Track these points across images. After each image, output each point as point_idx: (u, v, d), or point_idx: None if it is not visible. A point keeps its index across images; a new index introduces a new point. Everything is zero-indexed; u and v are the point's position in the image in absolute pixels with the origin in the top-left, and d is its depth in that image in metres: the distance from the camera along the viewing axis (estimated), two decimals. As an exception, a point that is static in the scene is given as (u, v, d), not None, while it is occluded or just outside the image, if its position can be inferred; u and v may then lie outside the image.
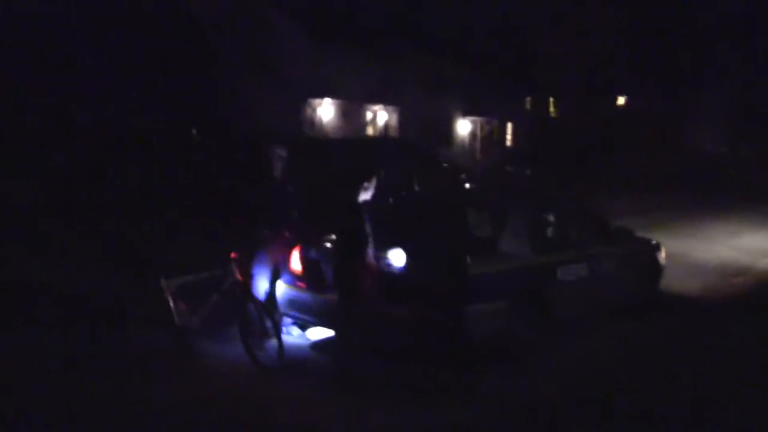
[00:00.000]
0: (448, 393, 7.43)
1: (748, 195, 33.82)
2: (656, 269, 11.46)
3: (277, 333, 8.13)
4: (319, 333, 9.18)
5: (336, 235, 8.01)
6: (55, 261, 12.69)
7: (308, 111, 36.61)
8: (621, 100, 57.89)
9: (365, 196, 7.72)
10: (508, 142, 51.24)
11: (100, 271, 11.68)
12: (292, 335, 9.17)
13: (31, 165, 19.75)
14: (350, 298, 7.62)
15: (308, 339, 9.21)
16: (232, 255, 8.18)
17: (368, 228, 7.57)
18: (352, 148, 21.19)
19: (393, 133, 40.62)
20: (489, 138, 48.13)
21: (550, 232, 9.73)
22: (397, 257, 7.93)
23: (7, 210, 16.13)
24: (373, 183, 7.74)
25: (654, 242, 11.71)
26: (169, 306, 7.96)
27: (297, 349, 8.80)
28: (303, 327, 9.20)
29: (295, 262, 8.88)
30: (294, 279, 8.86)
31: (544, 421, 7.07)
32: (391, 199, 8.93)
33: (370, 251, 7.59)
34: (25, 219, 15.92)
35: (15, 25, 23.17)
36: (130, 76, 25.03)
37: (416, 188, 7.86)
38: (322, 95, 36.25)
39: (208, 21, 28.31)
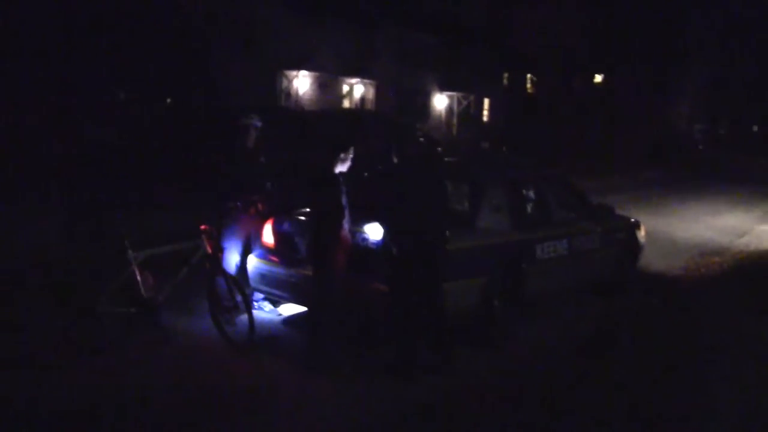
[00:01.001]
0: (421, 369, 7.27)
1: (723, 174, 34.06)
2: (635, 248, 11.32)
3: (248, 308, 7.88)
4: (291, 308, 8.95)
5: (310, 207, 7.76)
6: (17, 223, 12.41)
7: (284, 83, 36.25)
8: (598, 78, 57.87)
9: (341, 168, 7.45)
10: (485, 118, 51.12)
11: (64, 238, 11.43)
12: (264, 310, 8.93)
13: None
14: (324, 272, 7.37)
15: (280, 314, 8.98)
16: (202, 227, 7.91)
17: (344, 201, 7.32)
18: (328, 120, 20.98)
19: (370, 106, 40.35)
20: (466, 113, 47.96)
21: (530, 207, 9.53)
22: (373, 231, 7.70)
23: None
24: (350, 155, 7.47)
25: (633, 220, 11.56)
26: (136, 278, 7.68)
27: (268, 325, 8.57)
28: (275, 302, 8.95)
29: (268, 236, 8.63)
30: (266, 253, 8.60)
31: (515, 396, 6.98)
32: (366, 173, 8.70)
33: (346, 225, 7.34)
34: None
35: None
36: (98, 45, 24.55)
37: (394, 161, 7.57)
38: (298, 67, 35.88)
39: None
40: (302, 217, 8.41)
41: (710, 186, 28.20)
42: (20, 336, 7.83)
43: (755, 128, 69.89)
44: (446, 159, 10.08)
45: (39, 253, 10.97)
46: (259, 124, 8.89)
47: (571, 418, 6.53)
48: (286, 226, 8.52)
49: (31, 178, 16.32)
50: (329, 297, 7.36)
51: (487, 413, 6.54)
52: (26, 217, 13.10)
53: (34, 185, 15.72)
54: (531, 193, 9.64)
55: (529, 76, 55.47)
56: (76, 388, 6.63)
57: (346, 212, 7.35)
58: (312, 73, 36.70)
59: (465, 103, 47.70)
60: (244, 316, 7.89)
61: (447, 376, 7.30)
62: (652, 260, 12.38)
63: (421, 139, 9.78)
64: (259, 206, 8.61)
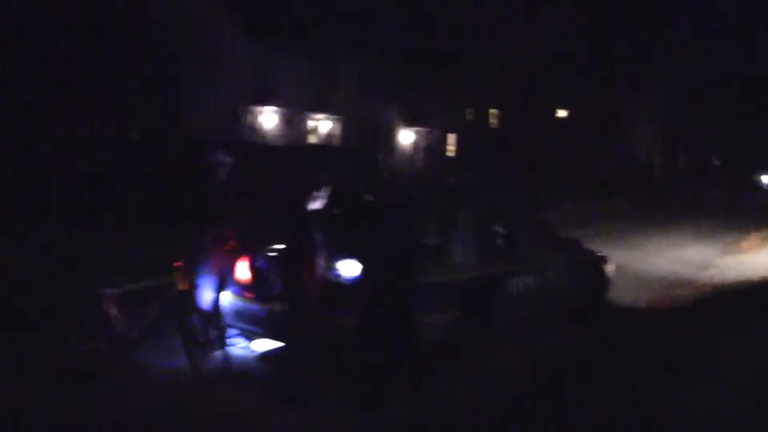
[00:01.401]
0: (394, 397, 7.36)
1: (683, 206, 34.45)
2: (603, 281, 11.50)
3: (222, 345, 7.90)
4: (265, 344, 8.96)
5: (284, 244, 7.81)
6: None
7: (249, 118, 36.31)
8: (562, 113, 58.42)
9: (315, 205, 7.53)
10: (450, 152, 51.43)
11: (35, 274, 11.35)
12: (238, 346, 8.94)
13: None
14: (298, 308, 7.42)
15: (253, 350, 8.98)
16: (176, 264, 7.93)
17: (318, 237, 7.40)
18: (297, 156, 21.06)
19: (336, 141, 40.51)
20: (431, 148, 48.25)
21: (498, 242, 9.67)
22: (347, 267, 7.77)
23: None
24: (323, 192, 7.57)
25: (601, 254, 11.73)
26: (109, 315, 7.68)
27: (242, 361, 8.58)
28: (248, 338, 8.96)
29: (242, 272, 8.65)
30: (240, 289, 8.62)
31: (483, 419, 7.17)
32: (336, 209, 8.78)
33: (319, 261, 7.42)
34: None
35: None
36: (63, 77, 24.46)
37: (365, 197, 7.70)
38: (263, 102, 35.99)
39: (145, 27, 27.83)
40: (276, 254, 8.45)
41: (672, 219, 28.54)
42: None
43: (716, 161, 70.80)
44: (414, 195, 10.19)
45: (11, 286, 10.91)
46: (229, 159, 8.94)
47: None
48: (260, 262, 8.56)
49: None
50: (303, 331, 7.41)
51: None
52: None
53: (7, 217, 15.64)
54: (499, 228, 9.77)
55: (492, 111, 55.90)
56: (48, 421, 6.62)
57: (320, 248, 7.42)
58: (278, 109, 36.84)
59: (430, 137, 48.00)
60: (218, 352, 7.91)
61: (417, 404, 7.39)
62: (619, 293, 12.52)
63: (386, 174, 9.90)
64: (231, 243, 8.64)
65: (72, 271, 10.27)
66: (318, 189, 7.52)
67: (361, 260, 7.45)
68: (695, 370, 9.04)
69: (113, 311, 7.70)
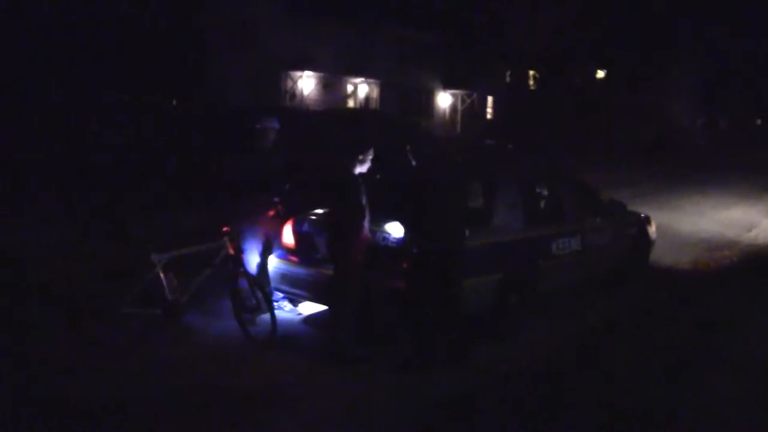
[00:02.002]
0: (438, 363, 7.43)
1: (724, 168, 34.04)
2: (646, 243, 11.48)
3: (270, 308, 8.02)
4: (311, 307, 9.09)
5: (330, 208, 7.89)
6: (39, 229, 12.57)
7: (288, 83, 36.38)
8: (600, 74, 57.87)
9: (360, 168, 7.59)
10: (489, 116, 51.20)
11: (89, 242, 11.57)
12: (284, 310, 9.06)
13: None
14: (344, 271, 7.51)
15: (300, 313, 9.11)
16: (224, 228, 8.06)
17: (363, 201, 7.46)
18: (341, 121, 21.08)
19: (374, 105, 40.48)
20: (469, 111, 48.07)
21: (543, 204, 9.68)
22: (394, 230, 7.84)
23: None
24: (369, 156, 7.62)
25: (644, 216, 11.71)
26: (161, 280, 7.82)
27: (289, 324, 8.71)
28: (294, 301, 9.09)
29: (287, 236, 8.76)
30: (286, 253, 8.73)
31: (529, 389, 7.14)
32: (379, 174, 8.83)
33: (366, 224, 7.48)
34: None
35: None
36: (107, 49, 24.70)
37: (411, 161, 7.73)
38: (302, 68, 36.04)
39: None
40: (321, 218, 8.54)
41: (714, 181, 28.24)
42: (46, 338, 7.97)
43: (759, 122, 69.78)
44: (459, 158, 10.22)
45: (61, 256, 11.12)
46: (276, 126, 9.03)
47: (579, 410, 6.66)
48: (305, 226, 8.66)
49: (44, 183, 16.51)
50: (349, 295, 7.50)
51: (502, 406, 6.70)
52: (46, 221, 13.27)
53: (48, 189, 15.90)
54: (544, 191, 9.78)
55: (531, 72, 55.49)
56: (103, 388, 6.75)
57: (366, 212, 7.49)
58: (316, 74, 36.86)
59: (468, 101, 47.81)
60: (266, 316, 8.04)
61: (463, 370, 7.44)
62: (661, 255, 12.49)
63: (428, 138, 9.91)
64: (279, 207, 8.77)
65: (122, 238, 10.45)
66: (362, 152, 7.57)
67: (406, 224, 7.51)
68: (742, 335, 8.99)
69: (164, 276, 7.83)
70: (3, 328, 8.21)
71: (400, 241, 7.64)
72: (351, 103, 39.95)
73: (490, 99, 51.34)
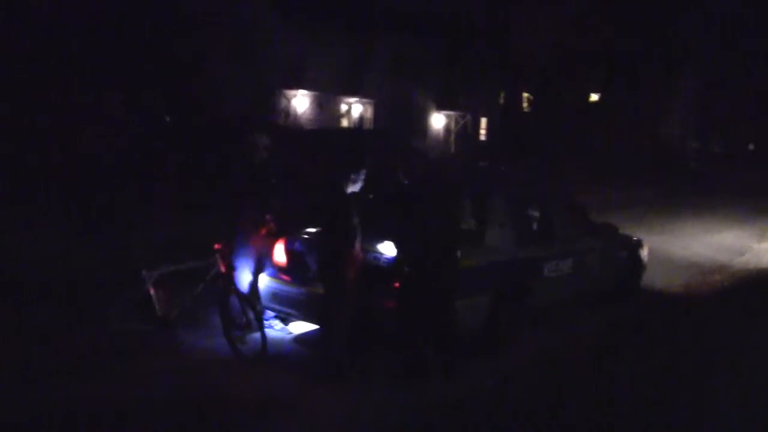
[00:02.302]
0: (429, 379, 7.50)
1: (717, 192, 34.14)
2: (638, 266, 11.50)
3: (260, 326, 8.00)
4: (302, 326, 9.06)
5: (321, 227, 7.88)
6: (35, 235, 12.60)
7: (283, 102, 36.42)
8: (594, 97, 58.10)
9: (353, 187, 7.59)
10: (482, 137, 51.31)
11: (81, 258, 11.57)
12: (274, 329, 9.04)
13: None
14: (335, 290, 7.50)
15: (290, 333, 9.09)
16: (216, 246, 8.05)
17: (356, 220, 7.46)
18: (334, 139, 21.13)
19: (368, 125, 40.55)
20: (463, 132, 48.16)
21: (535, 226, 9.69)
22: (386, 250, 7.84)
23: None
24: (361, 175, 7.63)
25: (636, 239, 11.73)
26: (151, 296, 7.81)
27: (279, 343, 8.68)
28: (285, 320, 9.07)
29: (279, 255, 8.75)
30: (277, 271, 8.72)
31: (517, 400, 7.20)
32: (373, 193, 8.83)
33: (357, 244, 7.48)
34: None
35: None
36: (100, 60, 24.67)
37: (403, 180, 7.75)
38: (296, 86, 36.07)
39: (182, 12, 27.98)
40: (313, 237, 8.52)
41: (706, 204, 28.32)
42: (34, 348, 7.96)
43: (751, 147, 70.00)
44: (451, 178, 10.22)
45: (53, 266, 11.14)
46: (267, 141, 9.03)
47: (571, 424, 6.68)
48: (297, 245, 8.65)
49: (39, 193, 16.51)
50: (341, 315, 7.48)
51: (490, 418, 6.71)
52: (38, 229, 13.28)
53: (42, 199, 15.91)
54: (536, 212, 9.79)
55: (525, 95, 55.71)
56: (90, 398, 6.76)
57: (358, 231, 7.49)
58: (310, 93, 36.90)
59: (462, 122, 47.92)
60: (256, 334, 8.03)
61: (450, 382, 7.53)
62: (652, 278, 12.50)
63: (421, 158, 9.92)
64: (271, 226, 8.76)
65: (113, 252, 10.43)
66: (355, 172, 7.57)
67: (398, 243, 7.51)
68: (731, 359, 9.00)
69: (154, 292, 7.81)
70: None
71: (392, 261, 7.64)
72: (345, 122, 40.00)
73: (483, 120, 51.45)
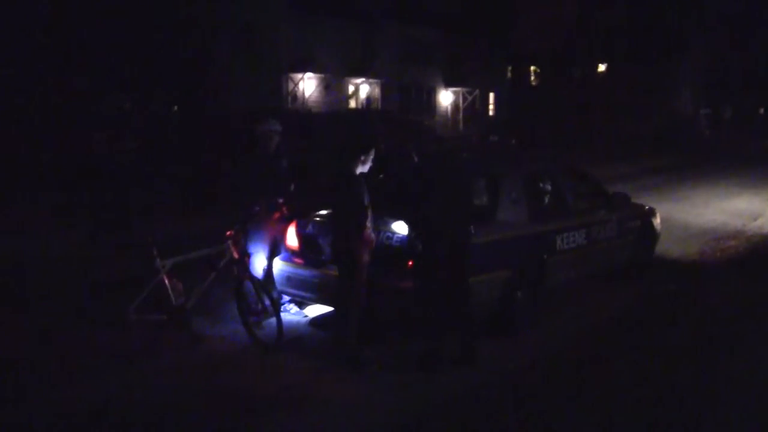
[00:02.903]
0: (447, 362, 7.42)
1: (729, 158, 33.98)
2: (652, 235, 11.44)
3: (276, 311, 8.01)
4: (317, 309, 9.07)
5: (333, 209, 7.86)
6: (45, 234, 12.65)
7: (290, 85, 36.37)
8: (602, 67, 57.82)
9: (362, 168, 7.57)
10: (491, 112, 51.18)
11: (94, 249, 11.63)
12: (290, 313, 9.04)
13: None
14: (349, 272, 7.48)
15: (306, 316, 9.09)
16: (228, 233, 8.04)
17: (366, 201, 7.44)
18: (343, 122, 21.09)
19: (375, 105, 40.48)
20: (471, 108, 48.05)
21: (547, 199, 9.64)
22: (398, 229, 7.82)
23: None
24: (371, 156, 7.60)
25: (648, 208, 11.68)
26: (165, 286, 7.81)
27: (295, 327, 8.69)
28: (300, 304, 9.07)
29: (292, 238, 8.75)
30: (291, 255, 8.71)
31: (538, 386, 7.07)
32: (382, 174, 8.81)
33: (369, 224, 7.46)
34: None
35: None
36: (107, 53, 24.69)
37: (414, 158, 7.71)
38: (303, 69, 36.01)
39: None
40: (325, 219, 8.51)
41: (718, 170, 28.18)
42: (53, 344, 8.00)
43: (762, 111, 69.54)
44: (462, 154, 10.20)
45: (66, 261, 11.19)
46: (279, 128, 9.01)
47: (593, 407, 6.61)
48: (309, 228, 8.64)
49: (47, 188, 16.58)
50: (355, 296, 7.47)
51: (511, 404, 6.64)
52: (49, 227, 13.34)
53: (51, 195, 15.97)
54: (548, 185, 9.74)
55: (532, 68, 55.49)
56: (111, 394, 6.76)
57: (369, 212, 7.47)
58: (317, 75, 36.83)
59: (470, 98, 47.79)
60: (272, 319, 8.03)
61: (472, 368, 7.42)
62: (667, 247, 12.46)
63: (430, 136, 9.88)
64: (284, 210, 8.75)
65: (126, 244, 10.48)
66: (364, 153, 7.54)
67: (410, 222, 7.49)
68: (749, 327, 8.94)
69: (169, 282, 7.82)
70: (10, 332, 8.28)
71: (405, 240, 7.62)
72: (353, 104, 39.93)
73: (491, 96, 51.30)
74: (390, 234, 7.92)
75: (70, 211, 14.67)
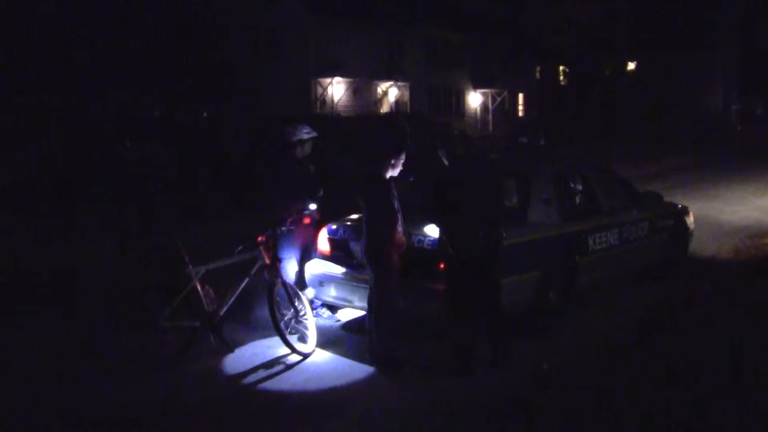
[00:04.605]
0: (479, 363, 7.41)
1: (762, 154, 33.62)
2: (685, 234, 11.37)
3: (308, 316, 8.03)
4: (350, 314, 9.07)
5: (363, 213, 7.86)
6: (75, 242, 12.78)
7: (318, 90, 36.45)
8: (631, 65, 57.46)
9: (392, 172, 7.57)
10: (520, 113, 51.00)
11: (121, 254, 11.74)
12: (323, 317, 9.05)
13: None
14: (381, 275, 7.48)
15: (338, 320, 9.10)
16: (259, 238, 8.05)
17: (396, 204, 7.45)
18: (372, 126, 21.14)
19: (404, 108, 40.46)
20: (500, 109, 47.91)
21: (579, 199, 9.60)
22: (430, 232, 7.82)
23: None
24: (401, 159, 7.61)
25: (681, 207, 11.60)
26: (198, 293, 7.84)
27: (328, 331, 8.70)
28: (333, 308, 9.08)
29: (323, 243, 8.77)
30: (322, 259, 8.74)
31: (572, 388, 6.98)
32: (413, 177, 8.80)
33: (400, 227, 7.46)
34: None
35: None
36: (140, 61, 24.92)
37: (444, 161, 7.69)
38: (331, 74, 36.09)
39: (217, 3, 28.16)
40: (356, 223, 8.52)
41: (751, 167, 27.89)
42: (88, 351, 8.07)
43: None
44: (492, 155, 10.18)
45: (99, 268, 11.29)
46: (309, 134, 9.02)
47: (629, 409, 6.54)
48: (340, 232, 8.67)
49: (79, 195, 16.75)
50: (387, 299, 7.47)
51: (547, 406, 6.60)
52: (82, 233, 13.48)
53: (84, 202, 16.14)
54: (579, 185, 9.70)
55: (561, 68, 55.23)
56: (146, 400, 6.81)
57: (399, 215, 7.47)
58: (345, 79, 36.89)
59: (499, 99, 47.67)
60: (305, 323, 8.04)
61: (505, 369, 7.39)
62: (701, 245, 12.35)
63: (461, 139, 9.83)
64: (315, 214, 8.78)
65: (157, 251, 10.54)
66: (395, 157, 7.54)
67: (441, 225, 7.47)
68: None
69: (201, 288, 7.85)
70: (43, 340, 8.38)
71: (436, 243, 7.61)
72: (381, 107, 39.90)
73: (521, 96, 51.14)
74: (421, 237, 7.91)
75: (101, 217, 14.84)
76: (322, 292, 8.67)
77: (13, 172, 18.52)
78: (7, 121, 21.45)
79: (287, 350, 7.89)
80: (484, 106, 47.53)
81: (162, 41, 25.62)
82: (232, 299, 8.00)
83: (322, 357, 7.85)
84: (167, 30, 25.71)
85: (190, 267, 7.81)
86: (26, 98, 22.39)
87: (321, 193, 9.01)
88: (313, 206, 8.84)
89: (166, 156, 19.38)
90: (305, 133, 8.96)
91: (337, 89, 36.98)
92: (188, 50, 26.66)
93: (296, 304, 8.07)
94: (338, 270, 8.51)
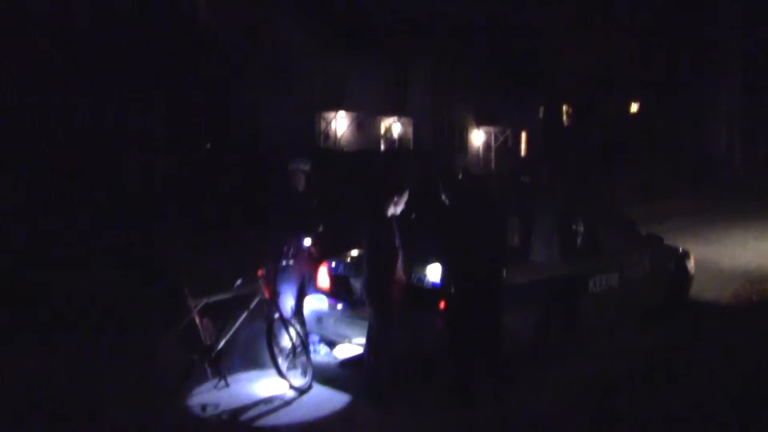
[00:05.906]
0: (478, 398, 7.42)
1: (764, 198, 33.61)
2: (686, 277, 11.35)
3: (306, 351, 8.00)
4: (347, 350, 9.02)
5: (364, 249, 7.86)
6: (76, 272, 12.78)
7: (322, 124, 36.53)
8: (634, 107, 57.61)
9: (394, 209, 7.57)
10: (523, 152, 51.07)
11: (123, 286, 11.71)
12: (320, 354, 9.01)
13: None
14: (380, 312, 7.47)
15: (336, 357, 9.05)
16: (259, 272, 8.04)
17: (397, 242, 7.45)
18: (373, 161, 21.19)
19: (407, 144, 40.51)
20: (503, 148, 47.99)
21: (580, 241, 9.59)
22: (431, 270, 7.81)
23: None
24: (404, 197, 7.61)
25: (682, 250, 11.58)
26: (196, 325, 7.81)
27: (326, 367, 8.65)
28: (331, 344, 9.03)
29: (323, 278, 8.76)
30: (321, 295, 8.72)
31: (571, 424, 7.03)
32: (415, 214, 8.80)
33: (400, 265, 7.46)
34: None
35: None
36: (140, 88, 24.97)
37: (445, 200, 7.69)
38: (335, 108, 36.17)
39: (221, 34, 28.28)
40: (356, 259, 8.51)
41: (754, 211, 27.85)
42: (84, 379, 8.03)
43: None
44: (493, 194, 10.18)
45: (98, 296, 11.29)
46: (308, 168, 9.03)
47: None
48: (340, 268, 8.65)
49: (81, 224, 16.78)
50: (386, 335, 7.46)
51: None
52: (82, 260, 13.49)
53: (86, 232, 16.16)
54: (580, 226, 9.69)
55: (565, 107, 55.36)
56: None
57: (400, 252, 7.47)
58: (349, 114, 36.97)
59: (502, 138, 47.77)
60: (303, 359, 8.01)
61: (502, 405, 7.41)
62: (701, 289, 12.30)
63: (460, 176, 9.88)
64: (313, 249, 8.76)
65: (157, 281, 10.54)
66: (398, 194, 7.55)
67: (442, 263, 7.47)
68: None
69: (200, 321, 7.82)
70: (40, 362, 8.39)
71: (437, 281, 7.60)
72: (384, 143, 39.95)
73: (524, 134, 51.24)
74: (422, 275, 7.90)
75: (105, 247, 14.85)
76: (320, 327, 8.64)
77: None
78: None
79: (285, 385, 7.87)
80: (487, 144, 47.60)
81: (169, 70, 25.70)
82: (231, 333, 7.97)
83: (319, 393, 7.81)
84: (168, 57, 25.75)
85: (189, 299, 7.79)
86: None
87: (321, 227, 8.99)
88: (307, 241, 8.78)
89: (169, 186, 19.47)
90: (302, 166, 8.96)
91: (340, 123, 37.05)
92: (193, 81, 26.74)
93: (294, 339, 8.04)
94: (337, 306, 8.48)
